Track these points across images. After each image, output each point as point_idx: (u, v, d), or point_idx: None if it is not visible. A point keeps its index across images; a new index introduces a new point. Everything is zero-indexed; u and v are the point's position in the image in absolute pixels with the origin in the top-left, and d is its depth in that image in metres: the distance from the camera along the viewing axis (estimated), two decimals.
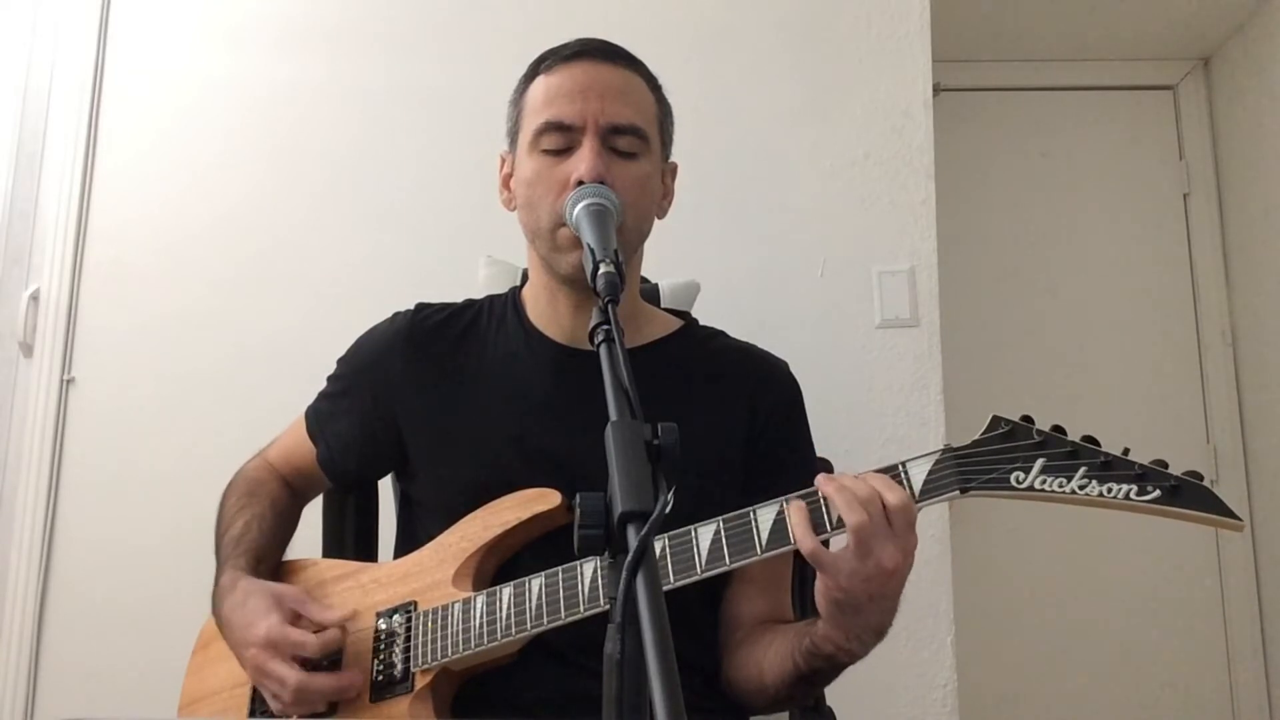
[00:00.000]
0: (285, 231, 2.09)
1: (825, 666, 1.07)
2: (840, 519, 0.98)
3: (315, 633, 1.13)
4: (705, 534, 1.05)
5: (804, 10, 2.16)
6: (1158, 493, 0.95)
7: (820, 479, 1.01)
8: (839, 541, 1.00)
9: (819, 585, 1.00)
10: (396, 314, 1.35)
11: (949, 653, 1.91)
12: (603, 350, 0.81)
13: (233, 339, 2.04)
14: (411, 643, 1.14)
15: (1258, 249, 2.85)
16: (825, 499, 1.00)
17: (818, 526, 1.00)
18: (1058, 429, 1.00)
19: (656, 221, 1.28)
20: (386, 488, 1.44)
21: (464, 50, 2.14)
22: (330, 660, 1.14)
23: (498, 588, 1.12)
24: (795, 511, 1.01)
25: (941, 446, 1.03)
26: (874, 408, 1.99)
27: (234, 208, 2.10)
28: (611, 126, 1.18)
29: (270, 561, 1.28)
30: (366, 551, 1.45)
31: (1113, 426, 1.05)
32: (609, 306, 0.85)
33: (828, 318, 2.03)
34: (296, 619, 1.14)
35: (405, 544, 1.30)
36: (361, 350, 1.35)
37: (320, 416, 1.35)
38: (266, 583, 1.18)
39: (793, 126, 2.11)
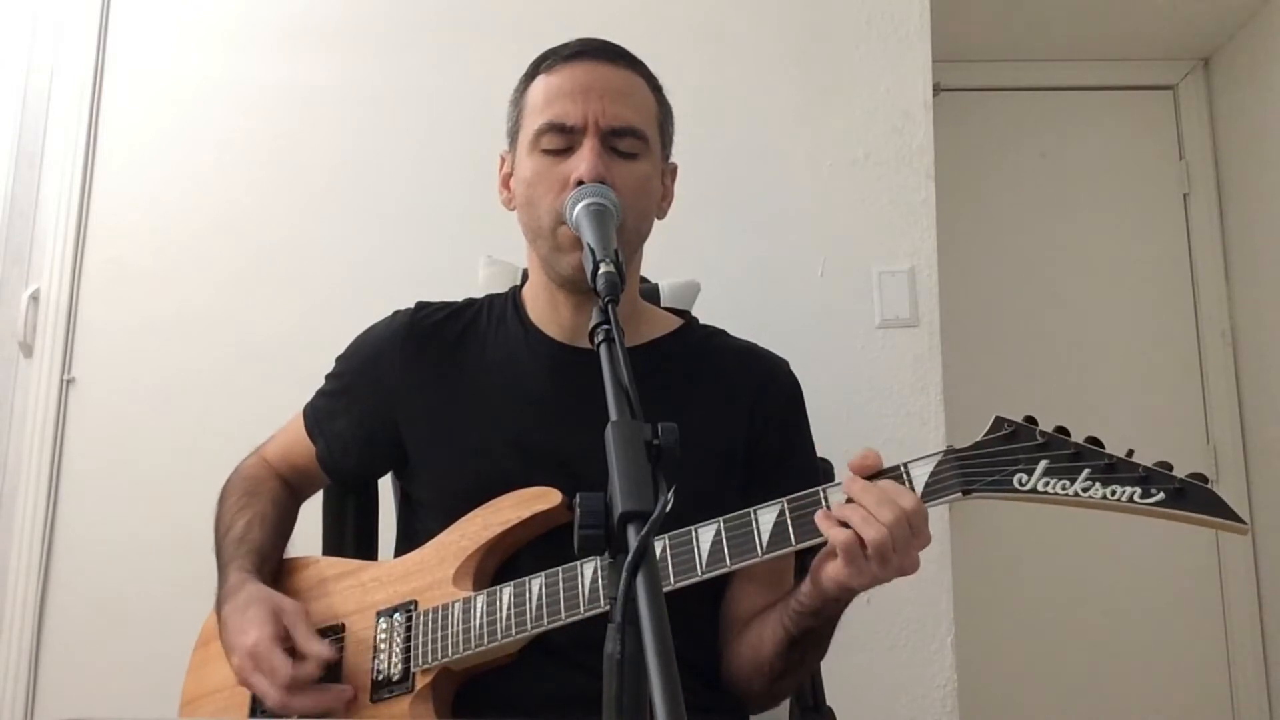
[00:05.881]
0: (285, 231, 2.09)
1: (814, 624, 1.08)
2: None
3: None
4: (706, 535, 1.05)
5: (804, 10, 2.16)
6: (1162, 495, 0.94)
7: (840, 506, 1.01)
8: None
9: (832, 570, 1.01)
10: (396, 312, 1.35)
11: (949, 653, 1.91)
12: (603, 350, 0.81)
13: (233, 339, 2.04)
14: (412, 642, 1.14)
15: (1258, 249, 2.84)
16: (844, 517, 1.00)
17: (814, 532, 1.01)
18: (1061, 430, 1.00)
19: (656, 221, 1.28)
20: (386, 487, 1.44)
21: (464, 50, 2.14)
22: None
23: (498, 588, 1.12)
24: (821, 516, 1.01)
25: (943, 447, 1.03)
26: (874, 408, 1.99)
27: (234, 208, 2.10)
28: (612, 127, 1.18)
29: (273, 561, 1.27)
30: (367, 550, 1.44)
31: (1113, 426, 1.04)
32: (609, 306, 0.85)
33: (828, 318, 2.03)
34: (288, 636, 1.13)
35: (405, 543, 1.30)
36: (361, 348, 1.35)
37: (319, 414, 1.35)
38: (270, 592, 1.17)
39: (793, 126, 2.11)
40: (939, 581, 1.92)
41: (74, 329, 2.06)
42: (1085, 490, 0.96)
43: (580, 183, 1.12)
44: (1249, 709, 2.75)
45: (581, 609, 1.07)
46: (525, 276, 1.37)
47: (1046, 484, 0.98)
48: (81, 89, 2.14)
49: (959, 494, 1.00)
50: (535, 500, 1.16)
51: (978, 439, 1.02)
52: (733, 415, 1.25)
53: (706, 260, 1.92)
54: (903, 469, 1.02)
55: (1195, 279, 2.97)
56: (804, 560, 1.17)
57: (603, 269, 0.91)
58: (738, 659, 1.19)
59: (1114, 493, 0.96)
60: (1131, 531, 2.67)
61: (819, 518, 1.01)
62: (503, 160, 1.29)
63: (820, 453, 1.33)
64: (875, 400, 2.00)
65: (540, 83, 1.23)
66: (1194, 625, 2.81)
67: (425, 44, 2.16)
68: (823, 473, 1.33)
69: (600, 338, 0.82)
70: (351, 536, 1.44)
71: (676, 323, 1.35)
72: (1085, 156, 3.04)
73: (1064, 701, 2.74)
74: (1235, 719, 2.77)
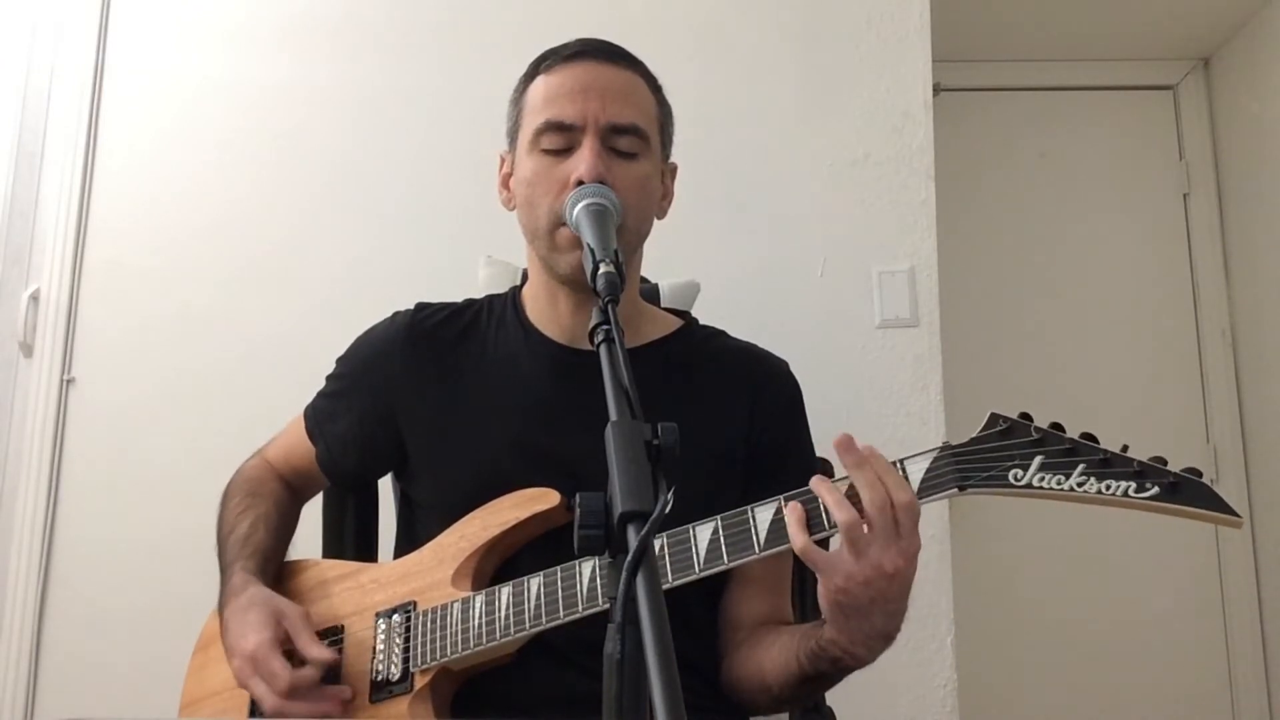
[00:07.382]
0: (285, 231, 2.09)
1: (830, 670, 1.07)
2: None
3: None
4: (703, 533, 1.05)
5: (804, 10, 2.16)
6: (1156, 490, 0.94)
7: (815, 480, 1.01)
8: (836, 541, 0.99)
9: (820, 586, 1.00)
10: (396, 313, 1.35)
11: (949, 653, 1.91)
12: (603, 350, 0.81)
13: (232, 339, 2.04)
14: (411, 643, 1.14)
15: (1258, 249, 2.85)
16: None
17: (815, 526, 1.00)
18: (1056, 426, 1.00)
19: (656, 221, 1.27)
20: (386, 488, 1.44)
21: (464, 50, 2.14)
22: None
23: (496, 588, 1.12)
24: (791, 510, 1.01)
25: (939, 444, 1.02)
26: (874, 408, 1.99)
27: (234, 208, 2.10)
28: (612, 126, 1.18)
29: (276, 562, 1.28)
30: (366, 551, 1.45)
31: (1113, 426, 1.04)
32: (609, 306, 0.85)
33: (828, 318, 2.03)
34: (288, 640, 1.13)
35: (405, 544, 1.30)
36: (361, 350, 1.35)
37: (319, 416, 1.35)
38: (273, 596, 1.17)
39: (793, 126, 2.11)
40: (939, 581, 1.92)
41: (74, 329, 2.07)
42: (1080, 485, 0.96)
43: (580, 183, 1.12)
44: (1249, 709, 2.75)
45: (580, 608, 1.06)
46: (525, 277, 1.37)
47: (1042, 479, 0.98)
48: (81, 89, 2.15)
49: (955, 490, 1.00)
50: (534, 501, 1.15)
51: (973, 435, 1.02)
52: (733, 416, 1.25)
53: (706, 260, 1.92)
54: (898, 465, 1.02)
55: (1195, 279, 2.98)
56: (803, 570, 1.18)
57: (603, 269, 0.91)
58: (737, 673, 1.19)
59: (1109, 487, 0.96)
60: (1131, 531, 2.67)
61: (790, 511, 1.01)
62: (502, 160, 1.29)
63: (820, 453, 1.33)
64: (875, 400, 2.00)
65: (540, 82, 1.23)
66: (1194, 625, 2.81)
67: (426, 44, 2.16)
68: (822, 473, 1.33)
69: (600, 338, 0.82)
70: (351, 538, 1.44)
71: (677, 323, 1.35)
72: (1085, 156, 3.04)
73: (1064, 701, 2.74)
74: (1235, 719, 2.77)
